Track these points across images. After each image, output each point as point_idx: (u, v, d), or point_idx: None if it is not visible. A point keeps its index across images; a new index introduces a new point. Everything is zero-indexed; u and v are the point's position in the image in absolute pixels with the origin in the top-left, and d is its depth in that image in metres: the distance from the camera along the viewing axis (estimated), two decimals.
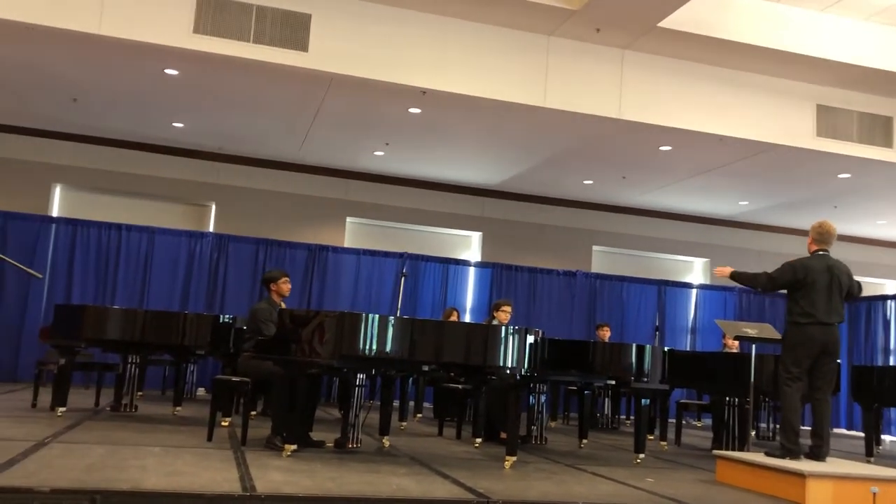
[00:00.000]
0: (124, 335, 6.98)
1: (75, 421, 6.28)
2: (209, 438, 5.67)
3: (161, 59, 8.09)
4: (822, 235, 5.69)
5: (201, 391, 10.43)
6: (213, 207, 11.95)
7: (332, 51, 8.01)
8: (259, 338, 5.89)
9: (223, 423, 6.65)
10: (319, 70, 8.03)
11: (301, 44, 7.93)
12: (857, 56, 8.81)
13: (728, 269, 5.90)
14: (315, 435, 5.81)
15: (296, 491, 3.86)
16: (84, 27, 7.44)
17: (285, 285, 6.50)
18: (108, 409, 7.47)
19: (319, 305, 11.38)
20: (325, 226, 12.26)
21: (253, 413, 6.86)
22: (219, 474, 4.21)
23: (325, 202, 12.28)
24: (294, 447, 5.16)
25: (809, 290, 5.46)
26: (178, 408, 7.58)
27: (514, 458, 5.42)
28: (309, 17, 7.97)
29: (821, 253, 5.65)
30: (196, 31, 7.67)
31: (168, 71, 8.46)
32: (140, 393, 8.42)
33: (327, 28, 8.02)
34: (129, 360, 7.48)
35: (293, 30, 7.91)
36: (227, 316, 7.75)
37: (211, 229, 11.79)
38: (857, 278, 5.79)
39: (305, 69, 8.01)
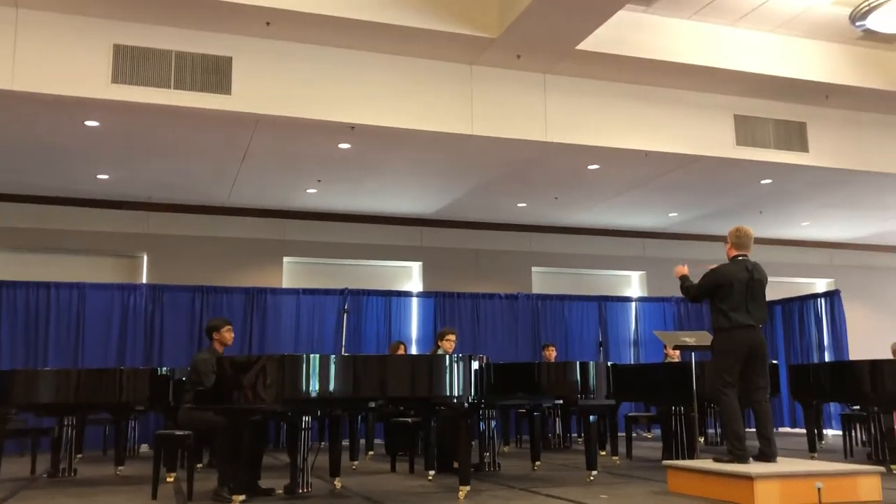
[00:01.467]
0: (58, 397, 6.76)
1: (9, 492, 6.00)
2: (154, 496, 5.49)
3: (80, 110, 7.91)
4: (741, 239, 5.82)
5: (144, 447, 10.12)
6: (145, 258, 11.69)
7: (255, 92, 7.96)
8: (199, 388, 5.75)
9: (168, 479, 6.46)
10: (244, 112, 7.95)
11: (224, 87, 7.86)
12: (769, 66, 9.15)
13: (684, 270, 6.02)
14: (264, 482, 5.68)
15: None
16: None
17: (228, 334, 6.37)
18: (45, 475, 7.16)
19: (261, 349, 11.19)
20: (262, 268, 12.09)
21: (199, 466, 6.69)
22: None
23: (260, 244, 12.12)
24: (242, 498, 5.03)
25: (730, 296, 5.57)
26: (120, 467, 7.33)
27: (468, 488, 5.39)
28: (230, 59, 7.91)
29: (740, 258, 5.77)
30: (114, 80, 7.53)
31: (88, 122, 8.28)
32: (79, 455, 8.11)
33: (249, 70, 7.97)
34: (65, 423, 7.20)
35: (215, 74, 7.84)
36: (164, 368, 7.57)
37: (144, 280, 11.51)
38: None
39: (230, 112, 7.92)
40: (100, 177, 10.28)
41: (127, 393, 6.95)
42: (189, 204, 11.72)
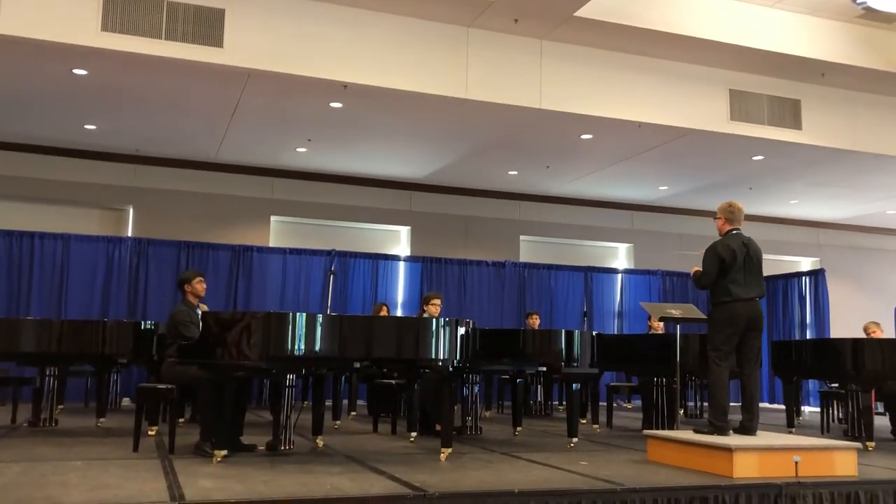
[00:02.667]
0: (40, 347, 6.73)
1: None
2: (135, 449, 5.49)
3: (68, 58, 7.76)
4: (734, 214, 5.86)
5: (126, 401, 10.11)
6: (131, 211, 11.57)
7: (248, 46, 7.83)
8: (182, 342, 5.72)
9: (150, 433, 6.46)
10: (236, 66, 7.83)
11: (216, 40, 7.73)
12: (766, 42, 9.09)
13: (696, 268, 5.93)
14: (246, 439, 5.69)
15: (227, 497, 3.77)
16: None
17: (199, 285, 6.33)
18: (26, 424, 7.15)
19: (246, 307, 11.17)
20: (249, 226, 12.01)
21: (181, 420, 6.68)
22: (145, 484, 4.07)
23: (247, 201, 12.03)
24: (224, 452, 5.03)
25: (729, 269, 5.61)
26: (101, 419, 7.32)
27: (450, 450, 5.42)
28: (223, 11, 7.77)
29: (734, 232, 5.80)
30: (104, 28, 7.38)
31: (76, 71, 8.13)
32: (60, 406, 8.11)
33: (242, 23, 7.83)
34: (47, 373, 7.18)
35: (207, 25, 7.70)
36: (149, 322, 7.53)
37: (129, 234, 11.42)
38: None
39: (221, 65, 7.80)
40: (87, 127, 10.13)
41: (110, 345, 6.91)
42: (177, 158, 11.58)
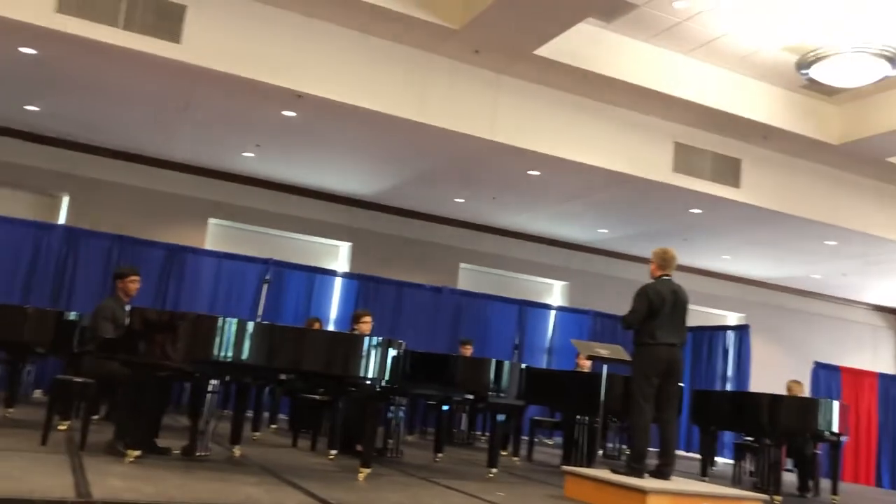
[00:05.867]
0: None
1: None
2: (43, 442, 5.29)
3: (17, 35, 7.55)
4: (667, 261, 5.99)
5: (38, 393, 9.74)
6: (66, 198, 11.26)
7: (206, 45, 7.75)
8: (107, 337, 5.56)
9: (60, 427, 6.23)
10: (191, 64, 7.74)
11: (174, 35, 7.63)
12: (714, 100, 9.41)
13: None
14: (161, 442, 5.54)
15: (137, 498, 3.66)
16: None
17: (132, 284, 6.17)
18: None
19: (175, 308, 10.91)
20: (186, 226, 11.80)
21: (95, 417, 6.47)
22: (52, 479, 3.93)
23: (187, 201, 11.81)
24: (138, 453, 4.89)
25: (657, 314, 5.73)
26: (10, 409, 7.03)
27: (369, 471, 5.37)
28: (184, 7, 7.69)
29: (665, 278, 5.93)
30: (60, 10, 7.23)
31: (24, 49, 7.91)
32: None
33: (203, 21, 7.76)
34: None
35: (166, 19, 7.60)
36: (73, 314, 7.31)
37: (62, 221, 11.09)
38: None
39: (177, 61, 7.70)
40: (28, 108, 9.85)
41: (29, 333, 6.67)
42: (120, 150, 11.34)
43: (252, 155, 10.90)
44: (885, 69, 8.12)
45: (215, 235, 12.15)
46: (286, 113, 8.94)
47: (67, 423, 6.40)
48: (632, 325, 5.84)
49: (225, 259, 11.49)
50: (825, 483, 8.56)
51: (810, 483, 8.32)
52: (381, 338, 5.36)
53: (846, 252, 12.59)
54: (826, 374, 12.63)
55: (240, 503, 3.87)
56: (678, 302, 5.81)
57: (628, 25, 8.66)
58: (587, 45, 8.72)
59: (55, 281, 10.48)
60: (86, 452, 5.05)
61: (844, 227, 11.08)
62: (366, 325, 7.77)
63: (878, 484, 12.54)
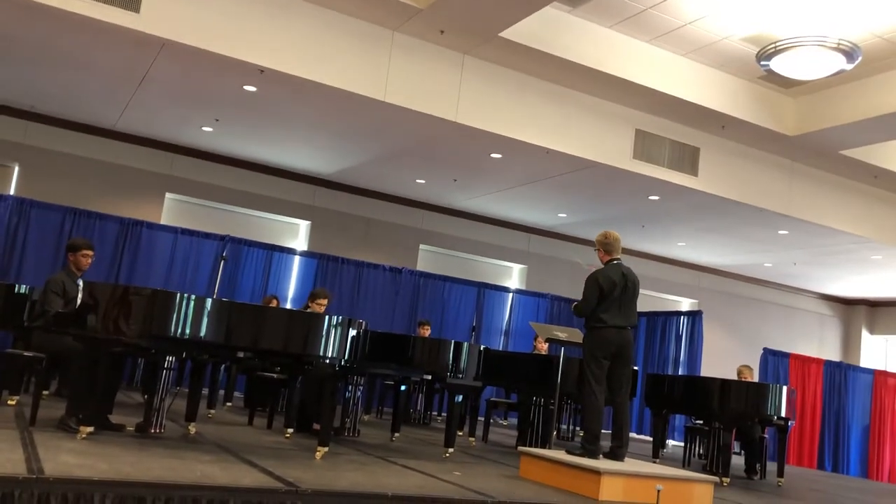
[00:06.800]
0: None
1: None
2: None
3: None
4: (611, 244, 6.00)
5: None
6: (16, 168, 10.96)
7: (166, 15, 7.58)
8: (56, 311, 5.45)
9: (9, 402, 6.10)
10: (151, 34, 7.57)
11: (133, 4, 7.43)
12: (675, 88, 9.51)
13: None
14: (115, 419, 5.47)
15: (90, 474, 3.61)
16: None
17: (84, 259, 6.06)
18: None
19: (129, 283, 10.73)
20: (142, 200, 11.58)
21: (45, 392, 6.35)
22: (2, 455, 3.85)
23: (143, 175, 11.59)
24: (90, 429, 4.81)
25: (606, 298, 5.78)
26: None
27: (326, 449, 5.37)
28: None
29: (615, 262, 5.97)
30: None
31: None
32: None
33: None
34: None
35: None
36: (23, 287, 7.14)
37: (12, 192, 10.80)
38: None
39: (135, 31, 7.51)
40: None
41: None
42: (74, 121, 11.07)
43: (211, 129, 10.73)
44: (841, 63, 8.27)
45: (172, 210, 11.95)
46: (247, 87, 8.81)
47: (17, 397, 6.28)
48: (583, 313, 5.88)
49: (181, 234, 11.33)
50: (771, 466, 8.82)
51: (757, 466, 8.54)
52: (341, 317, 5.35)
53: (797, 242, 12.89)
54: (774, 361, 12.95)
55: (195, 481, 3.83)
56: (628, 285, 5.84)
57: (593, 11, 8.69)
58: (552, 29, 8.73)
59: (4, 253, 10.24)
60: (36, 428, 4.95)
61: (797, 218, 11.33)
62: (319, 306, 7.75)
63: (821, 467, 12.95)
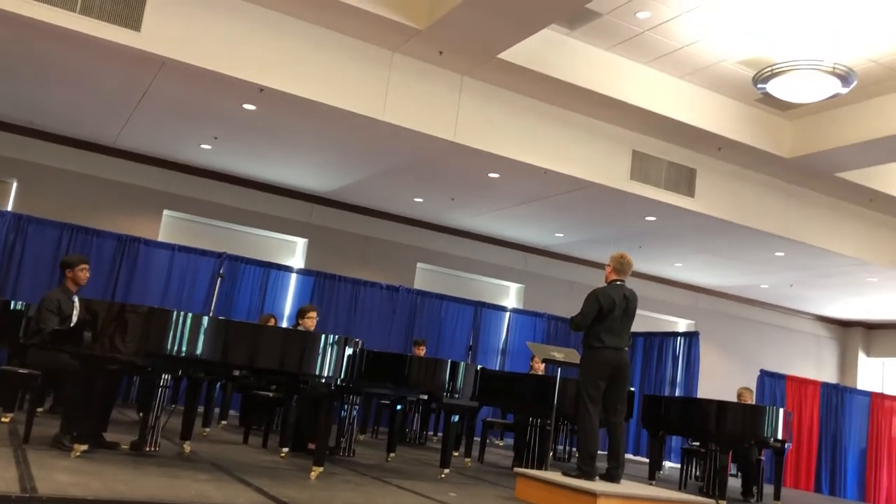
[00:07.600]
0: None
1: None
2: None
3: None
4: (623, 266, 6.06)
5: None
6: (15, 184, 10.97)
7: (167, 34, 7.62)
8: (51, 329, 5.44)
9: (3, 420, 6.08)
10: (151, 52, 7.60)
11: (134, 22, 7.48)
12: (672, 110, 9.56)
13: None
14: (109, 437, 5.44)
15: (83, 493, 3.59)
16: None
17: (82, 273, 6.06)
18: None
19: (126, 300, 10.70)
20: (140, 217, 11.59)
21: (39, 410, 6.33)
22: None
23: (141, 191, 11.61)
24: (85, 447, 4.79)
25: (605, 317, 5.80)
26: None
27: (321, 469, 5.35)
28: None
29: (618, 283, 6.01)
30: None
31: None
32: None
33: (164, 9, 7.63)
34: None
35: (126, 6, 7.45)
36: (19, 303, 7.13)
37: (10, 208, 10.80)
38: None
39: (136, 49, 7.55)
40: None
41: None
42: (73, 137, 11.09)
43: (209, 147, 10.76)
44: (836, 87, 8.34)
45: (169, 227, 11.96)
46: (246, 106, 8.84)
47: (11, 415, 6.25)
48: (580, 328, 5.91)
49: (178, 251, 11.33)
50: (768, 488, 8.78)
51: (754, 488, 8.51)
52: (337, 336, 5.34)
53: (794, 263, 12.91)
54: (771, 382, 12.92)
55: (190, 500, 3.82)
56: (628, 307, 5.88)
57: (591, 33, 8.76)
58: (550, 50, 8.79)
59: (1, 269, 10.22)
60: (30, 446, 4.93)
61: (793, 239, 11.36)
62: (310, 320, 7.75)
63: (818, 490, 12.88)
